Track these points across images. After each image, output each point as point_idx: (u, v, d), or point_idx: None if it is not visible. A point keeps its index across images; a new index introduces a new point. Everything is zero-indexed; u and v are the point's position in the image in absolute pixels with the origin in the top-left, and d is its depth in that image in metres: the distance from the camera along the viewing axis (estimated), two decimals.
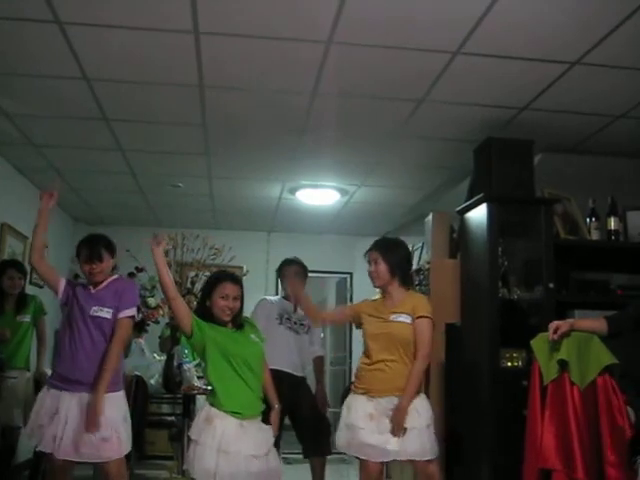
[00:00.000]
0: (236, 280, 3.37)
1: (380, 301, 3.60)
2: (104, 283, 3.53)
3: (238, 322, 3.35)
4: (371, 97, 4.09)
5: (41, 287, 6.48)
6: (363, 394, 3.41)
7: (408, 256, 3.70)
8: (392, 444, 3.28)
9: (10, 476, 5.34)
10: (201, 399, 6.07)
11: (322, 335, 4.92)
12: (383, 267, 3.52)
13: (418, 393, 3.41)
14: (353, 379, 3.66)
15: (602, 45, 3.33)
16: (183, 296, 6.44)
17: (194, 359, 6.01)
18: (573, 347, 3.05)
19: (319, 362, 4.80)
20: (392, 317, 3.44)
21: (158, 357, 6.68)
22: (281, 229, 8.15)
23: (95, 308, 3.43)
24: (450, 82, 3.80)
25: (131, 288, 3.68)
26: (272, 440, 3.24)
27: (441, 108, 4.21)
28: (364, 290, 7.29)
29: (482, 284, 4.20)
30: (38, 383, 4.94)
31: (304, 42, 3.40)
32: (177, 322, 3.36)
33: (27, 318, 5.08)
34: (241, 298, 3.33)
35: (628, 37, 3.24)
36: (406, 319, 3.42)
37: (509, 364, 4.06)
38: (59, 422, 3.27)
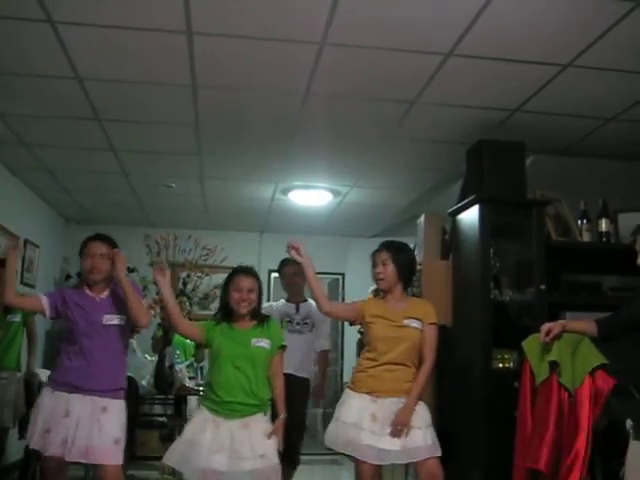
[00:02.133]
0: (249, 272, 3.47)
1: (382, 303, 3.54)
2: (107, 289, 3.46)
3: (258, 317, 3.43)
4: (363, 98, 4.09)
5: (32, 287, 6.47)
6: (366, 394, 3.37)
7: (414, 260, 3.66)
8: (394, 446, 3.26)
9: None
10: (193, 400, 6.08)
11: (329, 330, 4.98)
12: (391, 269, 3.48)
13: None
14: (350, 378, 3.63)
15: (594, 48, 3.34)
16: (176, 297, 6.46)
17: (186, 359, 6.02)
18: (564, 348, 3.07)
19: (323, 356, 4.87)
20: (405, 322, 3.43)
21: (150, 358, 6.67)
22: (273, 230, 8.14)
23: (107, 317, 3.38)
24: (442, 84, 3.81)
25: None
26: (261, 443, 3.25)
27: (433, 110, 4.22)
28: (356, 291, 7.33)
29: (474, 285, 4.21)
30: (28, 384, 4.92)
31: (297, 43, 3.40)
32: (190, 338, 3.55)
33: (17, 318, 5.04)
34: (257, 291, 3.42)
35: (620, 40, 3.25)
36: (418, 325, 3.43)
37: (501, 365, 4.07)
38: (70, 425, 3.21)
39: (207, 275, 7.05)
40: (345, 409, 3.40)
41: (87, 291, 3.45)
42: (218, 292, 7.45)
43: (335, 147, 5.04)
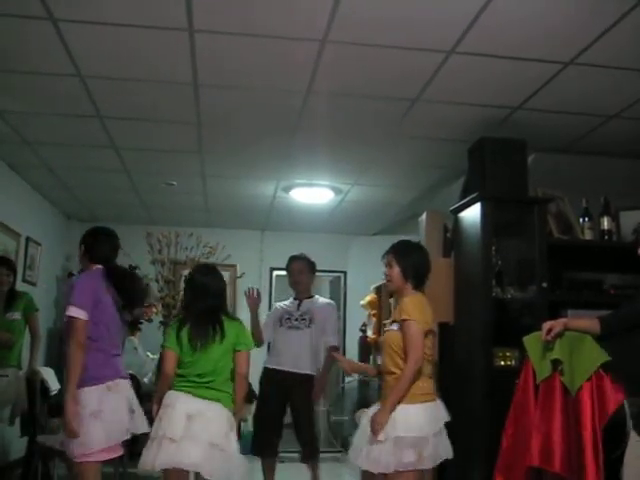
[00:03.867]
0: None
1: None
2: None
3: None
4: (365, 96, 4.09)
5: (34, 285, 6.47)
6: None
7: (424, 260, 3.46)
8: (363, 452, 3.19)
9: (1, 474, 5.33)
10: None
11: (337, 327, 4.90)
12: (397, 270, 3.36)
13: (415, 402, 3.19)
14: None
15: (596, 45, 3.34)
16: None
17: None
18: (566, 346, 3.06)
19: (329, 352, 4.73)
20: (388, 326, 3.38)
21: (152, 355, 6.68)
22: (275, 228, 8.15)
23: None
24: (444, 82, 3.81)
25: (76, 285, 3.29)
26: None
27: (435, 107, 4.21)
28: (358, 289, 7.33)
29: (476, 283, 4.21)
30: (30, 382, 4.92)
31: (299, 41, 3.40)
32: None
33: (16, 315, 5.03)
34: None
35: (622, 38, 3.25)
36: (394, 326, 3.29)
37: (502, 363, 4.07)
38: None
39: None
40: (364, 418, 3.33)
41: None
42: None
43: (336, 145, 5.04)
